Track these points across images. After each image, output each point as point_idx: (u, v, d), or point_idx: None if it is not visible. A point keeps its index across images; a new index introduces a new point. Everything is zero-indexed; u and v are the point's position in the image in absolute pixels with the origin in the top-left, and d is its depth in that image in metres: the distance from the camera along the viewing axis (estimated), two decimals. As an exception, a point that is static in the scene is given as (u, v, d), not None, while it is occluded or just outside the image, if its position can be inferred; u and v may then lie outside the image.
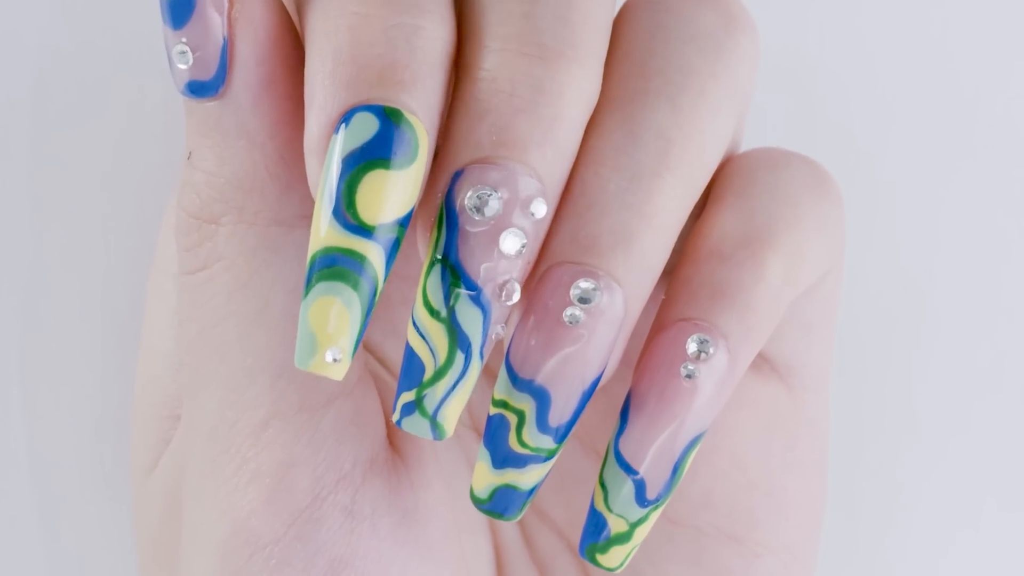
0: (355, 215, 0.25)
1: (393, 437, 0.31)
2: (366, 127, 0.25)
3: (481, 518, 0.33)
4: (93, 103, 0.37)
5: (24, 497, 0.38)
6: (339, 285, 0.25)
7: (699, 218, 0.30)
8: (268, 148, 0.27)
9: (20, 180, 0.37)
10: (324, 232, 0.25)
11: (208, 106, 0.27)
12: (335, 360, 0.26)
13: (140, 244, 0.37)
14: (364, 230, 0.25)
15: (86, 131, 0.37)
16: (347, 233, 0.25)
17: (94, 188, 0.37)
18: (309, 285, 0.26)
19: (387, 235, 0.26)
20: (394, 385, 0.32)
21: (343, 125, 0.26)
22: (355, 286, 0.26)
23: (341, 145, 0.25)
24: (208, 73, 0.27)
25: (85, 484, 0.38)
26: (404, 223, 0.26)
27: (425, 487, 0.30)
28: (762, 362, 0.31)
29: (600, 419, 0.32)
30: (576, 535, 0.33)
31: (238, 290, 0.28)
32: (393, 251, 0.26)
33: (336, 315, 0.26)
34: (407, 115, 0.26)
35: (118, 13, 0.38)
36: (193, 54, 0.26)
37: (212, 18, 0.26)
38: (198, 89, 0.27)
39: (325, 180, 0.26)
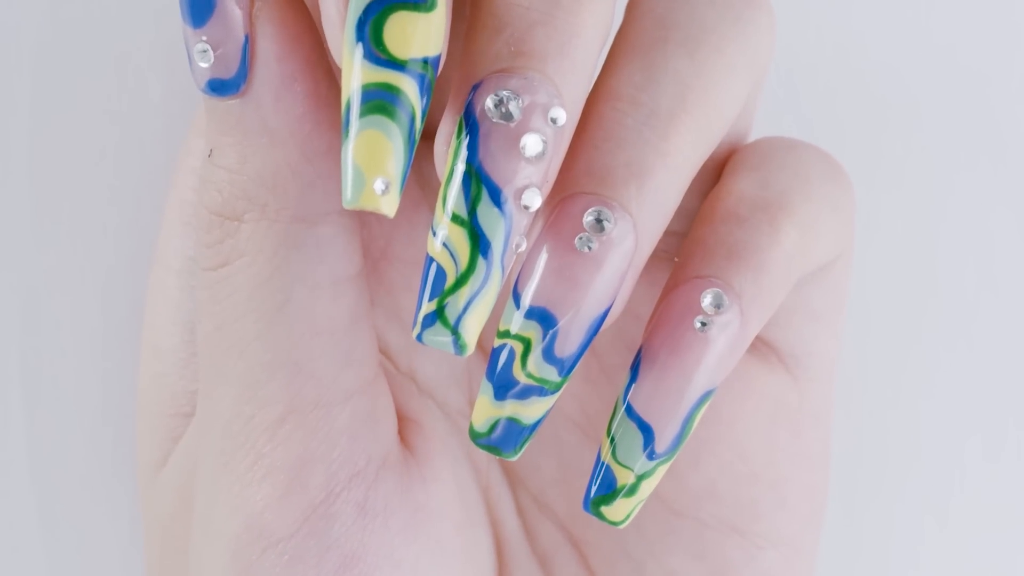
0: (384, 51, 0.25)
1: (405, 433, 0.31)
2: None
3: (483, 511, 0.33)
4: (93, 101, 0.37)
5: (24, 497, 0.38)
6: (379, 118, 0.25)
7: (713, 188, 0.30)
8: (290, 145, 0.27)
9: (20, 179, 0.37)
10: (357, 72, 0.25)
11: (229, 104, 0.27)
12: (384, 189, 0.25)
13: (140, 241, 0.37)
14: (395, 63, 0.25)
15: (86, 129, 0.37)
16: (379, 67, 0.25)
17: (94, 186, 0.37)
18: (347, 127, 0.25)
19: (418, 70, 0.25)
20: (396, 375, 0.32)
21: None
22: (394, 117, 0.25)
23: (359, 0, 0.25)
24: (229, 71, 0.27)
25: (85, 483, 0.38)
26: (434, 65, 0.26)
27: (436, 482, 0.31)
28: (769, 351, 0.32)
29: (603, 408, 0.32)
30: (577, 528, 0.33)
31: (259, 286, 0.28)
32: (426, 91, 0.26)
33: (381, 145, 0.25)
34: None
35: (118, 12, 0.38)
36: (214, 52, 0.26)
37: (233, 16, 0.26)
38: (219, 87, 0.27)
39: (350, 32, 0.25)
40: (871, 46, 0.39)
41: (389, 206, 0.25)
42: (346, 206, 0.25)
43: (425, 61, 0.25)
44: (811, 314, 0.31)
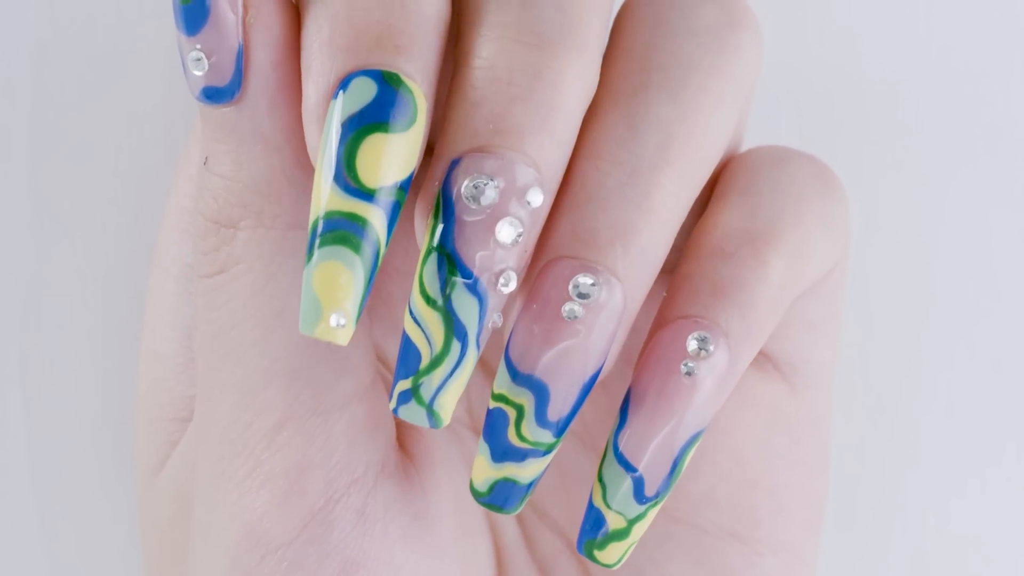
0: (355, 179, 0.25)
1: (403, 440, 0.31)
2: (364, 91, 0.25)
3: (482, 518, 0.33)
4: (93, 103, 0.37)
5: (24, 497, 0.38)
6: (342, 249, 0.25)
7: (702, 215, 0.30)
8: (285, 152, 0.27)
9: (20, 180, 0.37)
10: (325, 197, 0.25)
11: (224, 111, 0.27)
12: (340, 325, 0.26)
13: (140, 244, 0.37)
14: (365, 193, 0.25)
15: (86, 131, 0.37)
16: (348, 197, 0.25)
17: (94, 188, 0.37)
18: (311, 251, 0.26)
19: (388, 198, 0.26)
20: None
21: (341, 91, 0.26)
22: (358, 250, 0.25)
23: (340, 110, 0.25)
24: (224, 79, 0.27)
25: (85, 484, 0.38)
26: (405, 187, 0.26)
27: (435, 489, 0.31)
28: (765, 360, 0.31)
29: (600, 417, 0.32)
30: (576, 535, 0.33)
31: (255, 293, 0.28)
32: (394, 215, 0.26)
33: (340, 279, 0.25)
34: (405, 79, 0.26)
35: (118, 13, 0.37)
36: (208, 60, 0.26)
37: (227, 24, 0.26)
38: (214, 95, 0.27)
39: (325, 146, 0.26)
40: (868, 48, 0.39)
41: (343, 338, 0.26)
42: (301, 332, 0.26)
43: (397, 185, 0.26)
44: (807, 324, 0.31)
